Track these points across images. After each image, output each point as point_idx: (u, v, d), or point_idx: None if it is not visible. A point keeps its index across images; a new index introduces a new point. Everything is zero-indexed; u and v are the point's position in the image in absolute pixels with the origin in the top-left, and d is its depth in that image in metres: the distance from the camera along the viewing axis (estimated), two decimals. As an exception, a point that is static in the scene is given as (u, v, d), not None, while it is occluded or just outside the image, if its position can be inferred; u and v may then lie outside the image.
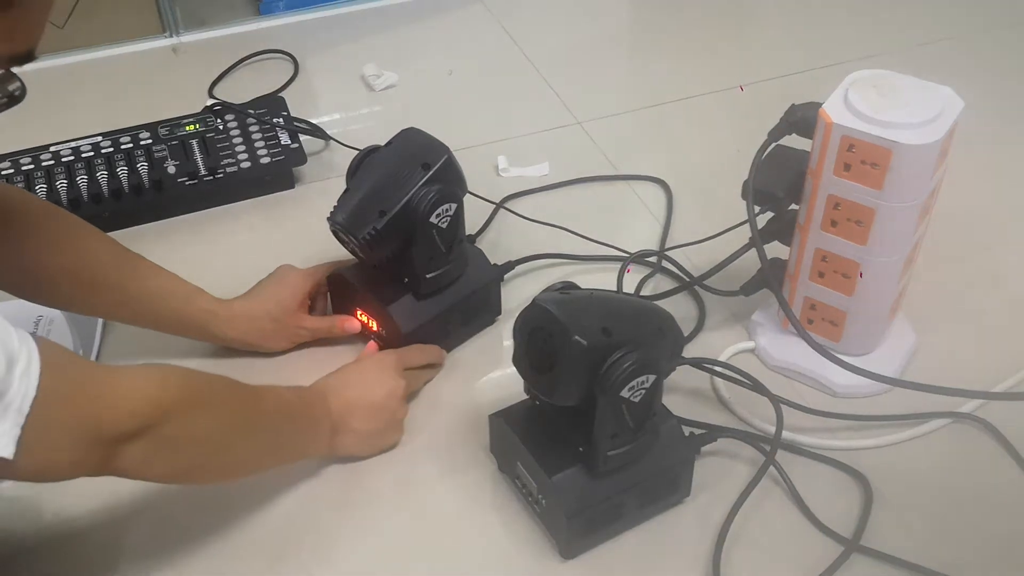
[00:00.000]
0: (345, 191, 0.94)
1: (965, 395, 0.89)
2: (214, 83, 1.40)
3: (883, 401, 0.94)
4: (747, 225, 0.99)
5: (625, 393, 0.75)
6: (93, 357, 0.99)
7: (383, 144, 0.95)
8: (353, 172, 0.95)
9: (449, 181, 0.92)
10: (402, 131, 0.96)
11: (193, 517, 0.86)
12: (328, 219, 0.93)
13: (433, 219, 0.91)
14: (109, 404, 0.67)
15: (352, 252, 0.94)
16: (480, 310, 1.02)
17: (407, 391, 0.91)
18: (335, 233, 0.94)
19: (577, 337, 0.74)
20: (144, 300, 0.92)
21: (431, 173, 0.91)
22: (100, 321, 1.02)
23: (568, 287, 0.82)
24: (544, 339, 0.76)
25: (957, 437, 0.91)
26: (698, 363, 0.94)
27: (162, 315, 0.93)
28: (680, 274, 1.07)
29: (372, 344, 0.97)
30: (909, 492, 0.87)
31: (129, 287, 0.91)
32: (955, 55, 1.44)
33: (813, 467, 0.89)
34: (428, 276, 0.94)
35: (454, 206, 0.92)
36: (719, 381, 0.96)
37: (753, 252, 0.96)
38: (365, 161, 0.95)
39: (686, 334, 0.97)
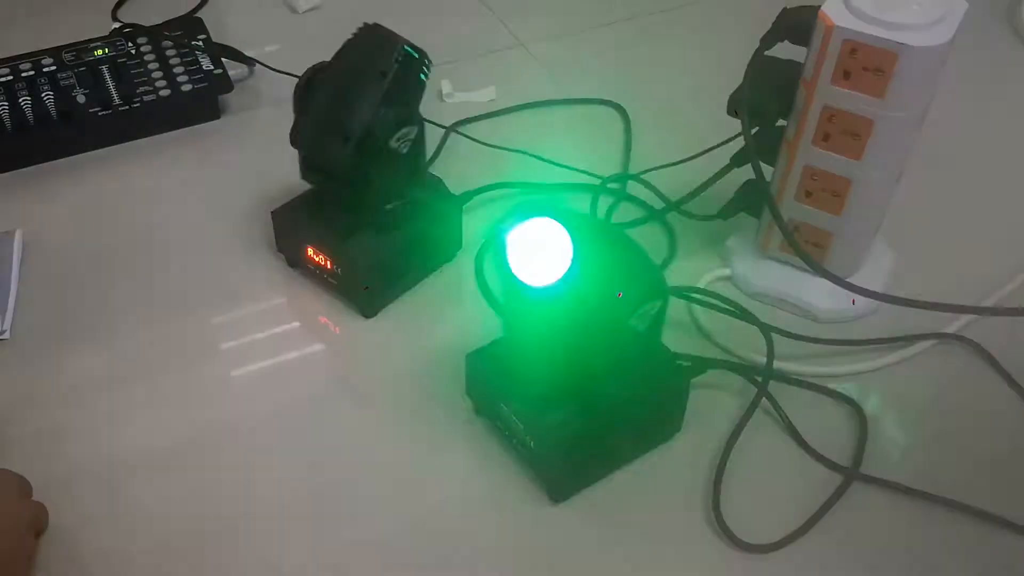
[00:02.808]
0: (300, 115, 0.84)
1: (958, 311, 0.86)
2: (116, 6, 1.27)
3: (866, 325, 0.91)
4: (717, 149, 0.95)
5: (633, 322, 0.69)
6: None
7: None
8: (302, 93, 0.85)
9: (408, 90, 0.84)
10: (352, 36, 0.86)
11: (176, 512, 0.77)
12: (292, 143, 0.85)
13: (393, 143, 0.83)
14: None
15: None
16: (441, 244, 0.94)
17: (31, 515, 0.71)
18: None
19: None
20: None
21: (388, 83, 0.82)
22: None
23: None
24: None
25: (945, 357, 0.89)
26: (680, 292, 0.89)
27: None
28: (647, 201, 1.01)
29: None
30: (903, 416, 0.84)
31: None
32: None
33: (803, 396, 0.85)
34: (388, 207, 0.86)
35: (415, 129, 0.84)
36: (698, 311, 0.91)
37: (729, 175, 0.91)
38: (314, 80, 0.85)
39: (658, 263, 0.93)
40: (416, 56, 0.84)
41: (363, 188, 0.84)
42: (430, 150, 1.05)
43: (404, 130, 0.83)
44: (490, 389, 0.79)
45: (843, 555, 0.75)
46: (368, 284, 0.88)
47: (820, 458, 0.80)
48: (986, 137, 1.14)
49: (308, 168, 0.87)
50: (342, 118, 0.81)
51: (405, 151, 0.84)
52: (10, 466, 0.73)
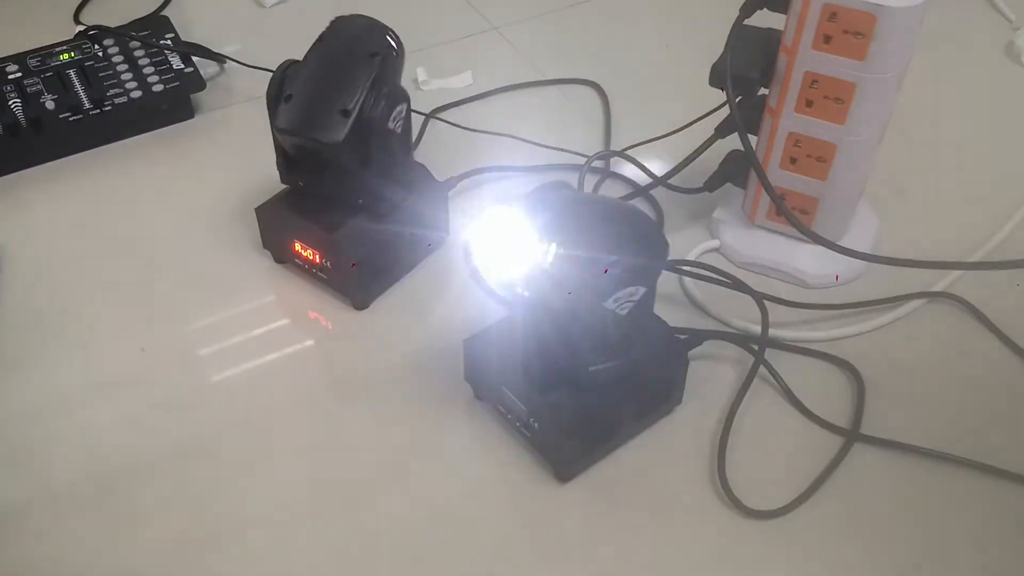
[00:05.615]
0: (287, 98, 0.82)
1: (953, 267, 0.87)
2: (78, 9, 1.25)
3: (855, 288, 0.92)
4: (699, 122, 0.96)
5: (610, 304, 0.69)
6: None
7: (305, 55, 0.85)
8: (278, 87, 0.84)
9: (395, 72, 0.84)
10: (332, 23, 0.85)
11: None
12: (277, 129, 0.82)
13: (390, 123, 0.82)
14: None
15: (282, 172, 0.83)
16: (428, 230, 0.94)
17: None
18: (282, 143, 0.83)
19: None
20: None
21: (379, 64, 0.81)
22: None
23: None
24: None
25: (935, 315, 0.90)
26: (671, 266, 0.90)
27: None
28: (632, 178, 1.01)
29: None
30: (898, 376, 0.85)
31: None
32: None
33: (800, 362, 0.86)
34: (376, 197, 0.85)
35: (405, 107, 0.83)
36: (690, 283, 0.92)
37: (712, 147, 0.91)
38: (289, 71, 0.84)
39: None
40: (397, 39, 0.84)
41: (351, 177, 0.84)
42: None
43: (398, 108, 0.82)
44: (490, 374, 0.79)
45: (849, 515, 0.75)
46: (359, 274, 0.87)
47: (820, 422, 0.81)
48: (955, 97, 1.15)
49: (290, 166, 0.86)
50: (337, 96, 0.80)
51: (400, 130, 0.83)
52: None
